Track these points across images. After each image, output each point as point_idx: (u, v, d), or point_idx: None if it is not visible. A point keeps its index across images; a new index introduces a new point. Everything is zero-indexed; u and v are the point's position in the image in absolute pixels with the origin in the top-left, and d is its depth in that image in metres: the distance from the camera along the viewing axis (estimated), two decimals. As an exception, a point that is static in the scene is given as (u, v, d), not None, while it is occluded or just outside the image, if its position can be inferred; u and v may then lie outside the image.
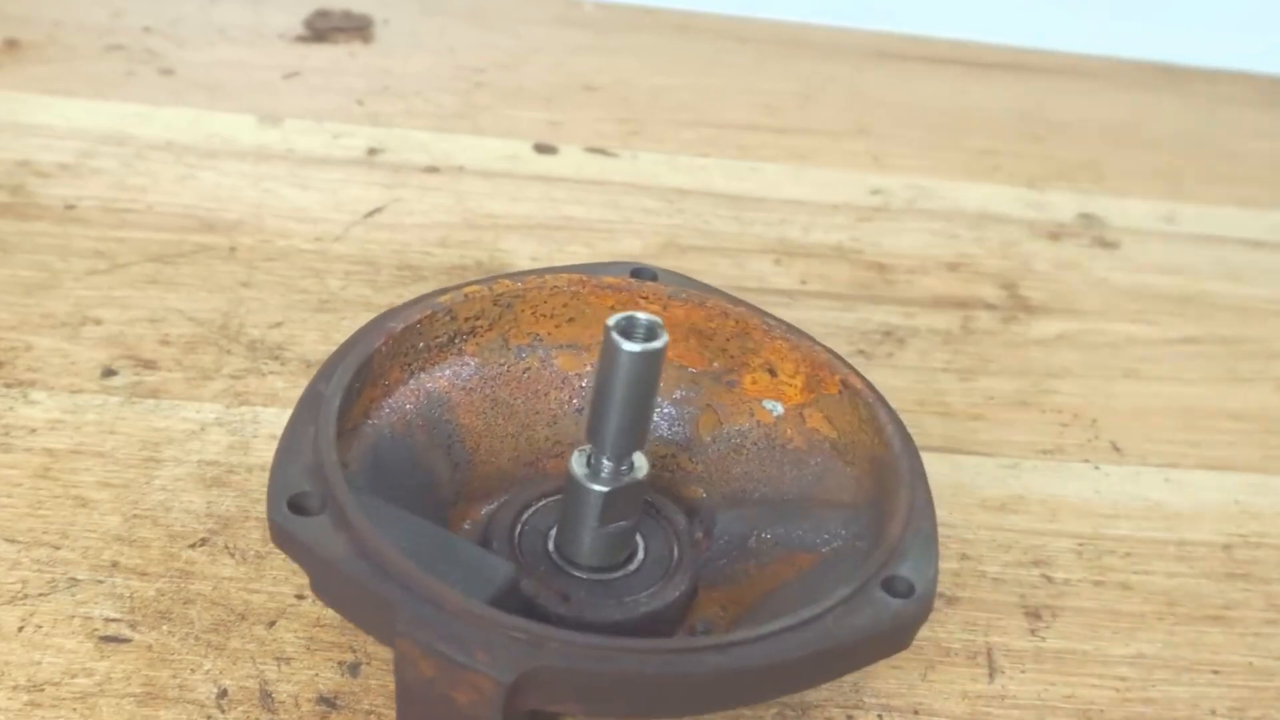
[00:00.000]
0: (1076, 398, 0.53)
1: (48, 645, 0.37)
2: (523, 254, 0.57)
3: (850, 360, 0.45)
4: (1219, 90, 0.86)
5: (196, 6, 0.75)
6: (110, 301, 0.50)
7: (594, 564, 0.38)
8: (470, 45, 0.76)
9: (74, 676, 0.36)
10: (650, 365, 0.34)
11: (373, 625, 0.32)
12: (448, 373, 0.41)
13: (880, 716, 0.38)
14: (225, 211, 0.57)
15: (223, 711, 0.35)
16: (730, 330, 0.42)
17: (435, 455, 0.40)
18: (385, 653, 0.37)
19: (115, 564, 0.39)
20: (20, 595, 0.38)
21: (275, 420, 0.45)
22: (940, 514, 0.38)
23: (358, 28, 0.76)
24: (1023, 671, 0.40)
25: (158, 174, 0.59)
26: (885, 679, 0.39)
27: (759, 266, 0.59)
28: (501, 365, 0.42)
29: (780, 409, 0.42)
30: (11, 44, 0.68)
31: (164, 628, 0.37)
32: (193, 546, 0.40)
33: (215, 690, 0.36)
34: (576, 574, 0.38)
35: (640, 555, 0.39)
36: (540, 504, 0.40)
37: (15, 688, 0.35)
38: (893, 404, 0.40)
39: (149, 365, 0.47)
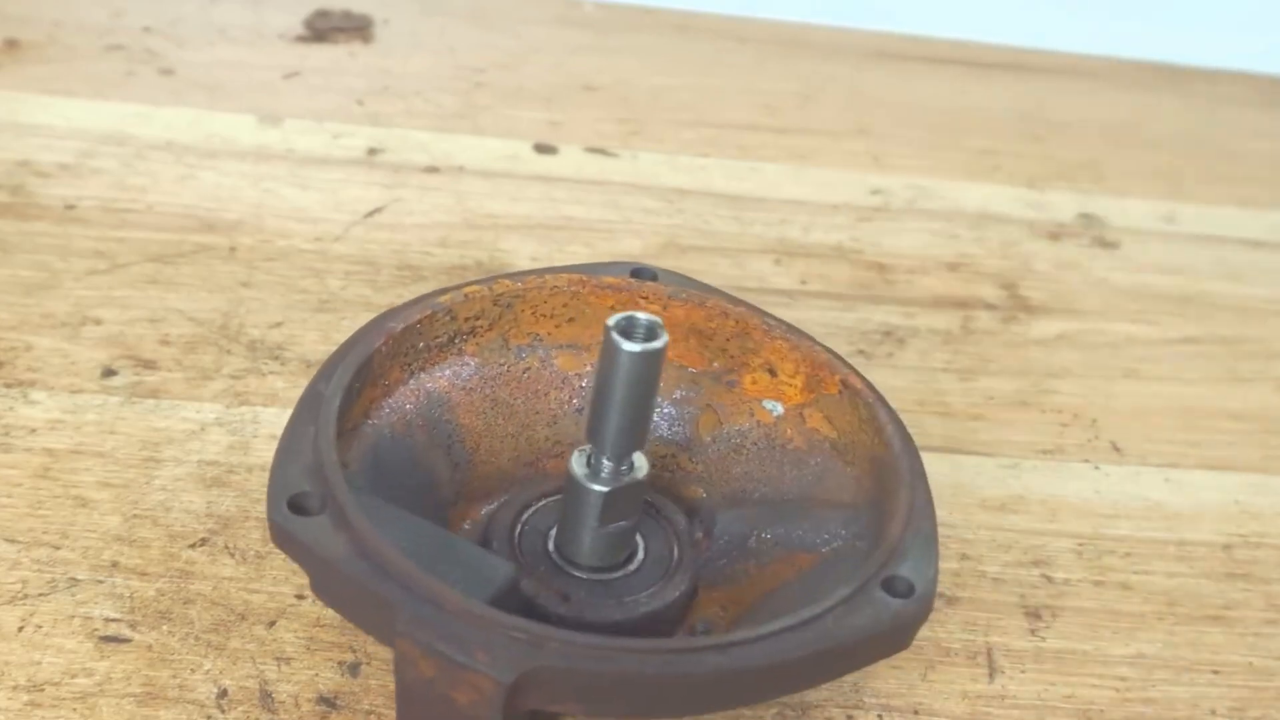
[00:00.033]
0: (1076, 398, 0.53)
1: (48, 645, 0.37)
2: (523, 254, 0.57)
3: (850, 360, 0.45)
4: (1219, 90, 0.86)
5: (196, 6, 0.75)
6: (110, 301, 0.50)
7: (594, 564, 0.38)
8: (470, 45, 0.76)
9: (74, 676, 0.36)
10: (650, 365, 0.34)
11: (373, 625, 0.32)
12: (448, 373, 0.41)
13: (880, 716, 0.38)
14: (225, 211, 0.57)
15: (223, 711, 0.35)
16: (730, 330, 0.42)
17: (435, 455, 0.40)
18: (385, 653, 0.37)
19: (115, 564, 0.39)
20: (20, 595, 0.38)
21: (275, 420, 0.45)
22: (940, 514, 0.38)
23: (358, 28, 0.76)
24: (1023, 671, 0.40)
25: (158, 174, 0.59)
26: (885, 679, 0.39)
27: (759, 266, 0.59)
28: (501, 365, 0.42)
29: (780, 409, 0.42)
30: (11, 44, 0.68)
31: (164, 628, 0.37)
32: (193, 546, 0.40)
33: (215, 690, 0.36)
34: (576, 574, 0.38)
35: (640, 555, 0.39)
36: (540, 504, 0.40)
37: (15, 688, 0.35)
38: (893, 404, 0.40)
39: (149, 365, 0.47)
